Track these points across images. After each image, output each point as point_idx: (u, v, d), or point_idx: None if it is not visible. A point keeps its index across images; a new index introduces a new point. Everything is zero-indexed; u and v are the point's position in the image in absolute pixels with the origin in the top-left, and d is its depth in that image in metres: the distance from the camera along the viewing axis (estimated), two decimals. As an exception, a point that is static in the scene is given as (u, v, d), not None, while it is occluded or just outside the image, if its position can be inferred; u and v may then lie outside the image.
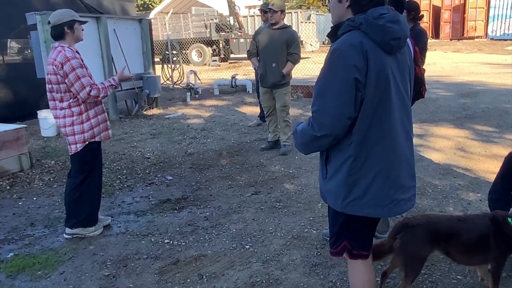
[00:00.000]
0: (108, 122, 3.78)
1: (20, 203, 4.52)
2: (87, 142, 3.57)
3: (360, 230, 2.11)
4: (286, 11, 5.91)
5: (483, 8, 24.65)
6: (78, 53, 3.55)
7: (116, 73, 8.27)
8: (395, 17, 1.90)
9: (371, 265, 2.25)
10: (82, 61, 3.52)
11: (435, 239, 2.49)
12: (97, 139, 3.65)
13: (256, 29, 7.02)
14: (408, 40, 2.03)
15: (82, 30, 3.59)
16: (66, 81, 3.40)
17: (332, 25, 2.03)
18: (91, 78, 3.53)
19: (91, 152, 3.65)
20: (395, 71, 1.92)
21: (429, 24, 25.41)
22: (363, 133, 1.90)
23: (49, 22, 3.44)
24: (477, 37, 24.81)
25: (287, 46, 5.63)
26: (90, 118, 3.57)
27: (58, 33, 3.46)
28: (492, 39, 24.33)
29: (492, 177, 4.61)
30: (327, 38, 25.76)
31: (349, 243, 2.13)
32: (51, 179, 5.20)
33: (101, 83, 3.57)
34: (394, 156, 1.97)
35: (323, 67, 1.93)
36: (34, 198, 4.64)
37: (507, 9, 24.01)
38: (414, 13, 4.06)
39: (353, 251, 2.13)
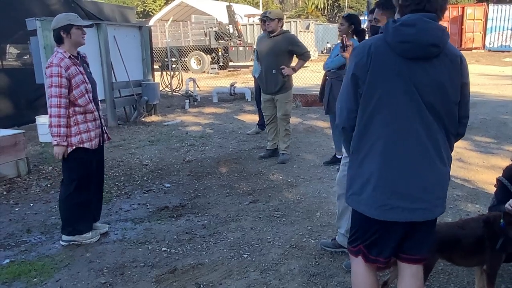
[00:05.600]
0: (99, 130, 3.66)
1: (16, 209, 4.49)
2: (74, 147, 3.50)
3: (373, 232, 2.07)
4: (285, 20, 5.94)
5: (481, 20, 24.84)
6: (82, 57, 3.56)
7: (116, 79, 8.30)
8: (412, 21, 1.87)
9: (375, 273, 2.23)
10: (79, 66, 3.50)
11: (442, 248, 2.53)
12: (86, 145, 3.54)
13: (256, 38, 7.06)
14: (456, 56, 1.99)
15: (84, 34, 3.54)
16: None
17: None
18: (87, 91, 3.51)
19: (79, 160, 3.56)
20: (414, 78, 1.88)
21: (427, 35, 25.55)
22: (361, 128, 2.02)
23: None
24: (475, 48, 24.96)
25: (289, 51, 5.65)
26: (79, 123, 3.51)
27: (56, 37, 3.47)
28: (489, 50, 24.53)
29: (490, 188, 4.63)
30: (325, 48, 25.97)
31: (364, 248, 2.13)
32: (48, 185, 5.17)
33: (59, 131, 3.41)
34: (395, 162, 1.95)
35: None
36: (31, 204, 4.61)
37: (504, 21, 24.24)
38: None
39: (369, 256, 2.13)
